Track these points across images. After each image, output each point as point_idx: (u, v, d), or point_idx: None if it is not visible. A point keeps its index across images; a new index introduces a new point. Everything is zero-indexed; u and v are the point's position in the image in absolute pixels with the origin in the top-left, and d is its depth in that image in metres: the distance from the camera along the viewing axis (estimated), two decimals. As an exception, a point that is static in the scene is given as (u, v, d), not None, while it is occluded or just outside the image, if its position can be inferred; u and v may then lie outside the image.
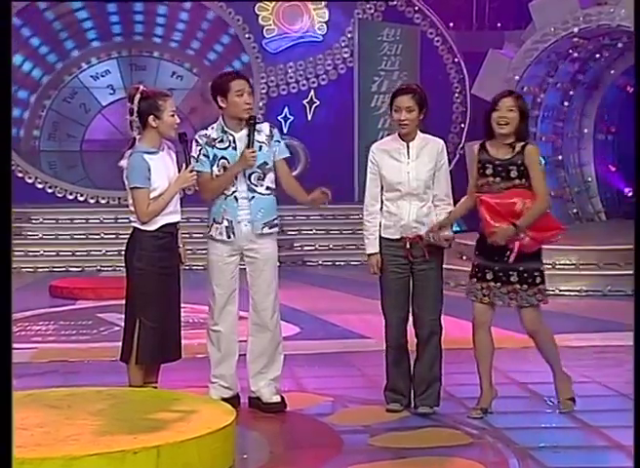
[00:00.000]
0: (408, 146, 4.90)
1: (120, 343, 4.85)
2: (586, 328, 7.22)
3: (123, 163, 4.78)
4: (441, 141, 5.01)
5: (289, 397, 5.06)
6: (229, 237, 4.89)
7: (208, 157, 4.88)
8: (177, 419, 3.98)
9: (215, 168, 4.89)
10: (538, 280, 4.85)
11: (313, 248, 11.91)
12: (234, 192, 4.87)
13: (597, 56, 11.88)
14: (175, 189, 4.74)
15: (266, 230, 4.93)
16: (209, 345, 5.02)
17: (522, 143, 4.78)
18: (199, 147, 4.88)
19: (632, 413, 4.83)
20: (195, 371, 5.37)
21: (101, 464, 3.53)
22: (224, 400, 4.81)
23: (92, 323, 7.72)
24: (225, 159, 4.87)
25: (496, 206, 4.74)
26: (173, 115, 4.73)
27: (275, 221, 4.98)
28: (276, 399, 4.97)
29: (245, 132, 4.89)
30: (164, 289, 4.74)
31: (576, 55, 11.69)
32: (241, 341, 5.07)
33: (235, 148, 4.88)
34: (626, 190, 13.26)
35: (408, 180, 4.86)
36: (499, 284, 4.85)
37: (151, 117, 4.68)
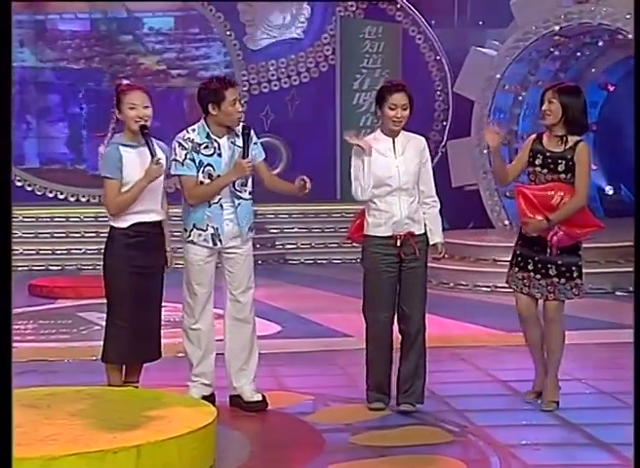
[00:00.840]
0: (394, 142, 4.92)
1: (101, 343, 4.86)
2: (567, 325, 7.22)
3: (101, 149, 4.85)
4: (423, 138, 5.05)
5: (270, 396, 5.07)
6: (215, 244, 4.91)
7: (194, 161, 4.86)
8: (157, 419, 3.98)
9: (200, 174, 4.87)
10: (575, 274, 4.94)
11: (295, 246, 11.90)
12: (220, 199, 4.88)
13: (578, 54, 11.93)
14: (144, 183, 4.69)
15: (250, 234, 5.04)
16: (188, 345, 5.01)
17: (576, 139, 4.87)
18: (185, 151, 4.85)
19: (614, 411, 4.93)
20: (175, 371, 5.34)
21: (81, 464, 3.52)
22: (205, 398, 4.83)
23: (72, 322, 7.69)
24: (211, 166, 4.87)
25: (532, 197, 4.82)
26: (132, 108, 4.72)
27: (253, 222, 5.07)
28: (257, 397, 4.99)
29: (227, 138, 4.90)
30: (137, 289, 4.71)
31: (557, 53, 11.73)
32: (217, 340, 5.08)
33: (220, 155, 4.89)
34: (607, 188, 13.33)
35: (398, 175, 4.87)
36: (538, 276, 4.94)
37: (117, 110, 4.78)
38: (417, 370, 4.95)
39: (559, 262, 4.90)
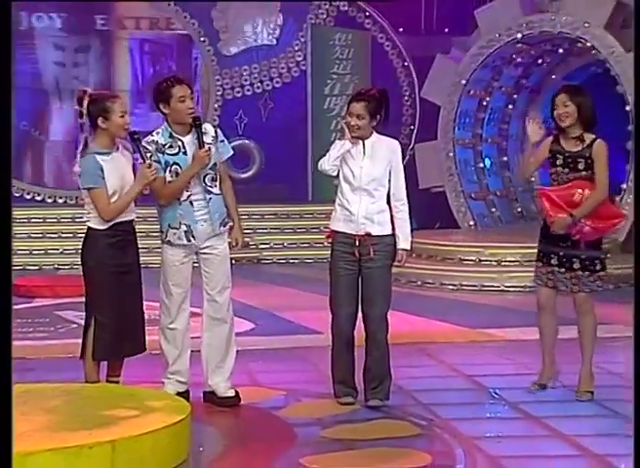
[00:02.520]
0: (363, 144, 5.02)
1: (79, 341, 4.91)
2: (531, 322, 7.36)
3: (76, 169, 4.78)
4: (396, 142, 5.12)
5: (243, 391, 5.11)
6: (189, 241, 4.95)
7: (160, 163, 4.88)
8: (132, 414, 3.99)
9: (167, 174, 4.91)
10: (598, 267, 5.08)
11: (268, 246, 11.99)
12: (189, 196, 4.93)
13: (539, 61, 12.13)
14: (137, 187, 4.75)
15: (222, 229, 5.04)
16: (164, 343, 5.04)
17: (592, 137, 5.04)
18: (149, 154, 4.85)
19: (574, 404, 5.05)
20: (151, 367, 5.37)
21: (57, 459, 3.53)
22: (179, 394, 4.88)
23: (49, 320, 7.71)
24: (177, 165, 4.91)
25: (555, 197, 5.01)
26: (122, 116, 4.73)
27: (227, 218, 5.08)
28: (230, 393, 5.03)
29: (191, 136, 4.93)
30: (119, 286, 4.76)
31: (519, 60, 11.94)
32: (192, 338, 5.13)
33: (185, 153, 4.92)
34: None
35: (360, 175, 4.96)
36: (563, 269, 5.09)
37: (100, 119, 4.70)
38: (382, 368, 4.99)
39: (583, 256, 5.04)
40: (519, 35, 11.31)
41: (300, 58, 12.95)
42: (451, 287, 9.54)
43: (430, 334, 7.10)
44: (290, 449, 4.30)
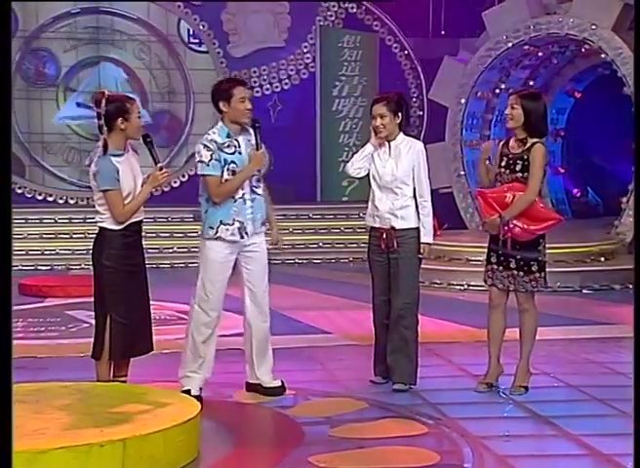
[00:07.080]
0: (389, 145, 5.35)
1: (90, 340, 4.96)
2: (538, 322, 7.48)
3: (92, 169, 4.83)
4: (420, 143, 5.45)
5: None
6: (242, 237, 5.08)
7: (219, 161, 5.02)
8: (142, 413, 4.03)
9: (225, 172, 5.03)
10: (534, 268, 5.18)
11: (276, 246, 12.09)
12: (243, 194, 5.08)
13: (547, 63, 12.20)
14: (149, 189, 4.84)
15: (263, 228, 5.22)
16: (198, 339, 5.11)
17: (534, 141, 5.13)
18: (210, 152, 5.01)
19: (581, 404, 5.13)
20: (162, 367, 5.46)
21: (68, 458, 3.55)
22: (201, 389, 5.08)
23: (60, 320, 7.77)
24: (234, 163, 5.04)
25: (490, 199, 5.14)
26: (139, 117, 4.86)
27: (265, 218, 5.28)
28: (277, 383, 5.26)
29: (244, 136, 5.10)
30: (132, 285, 4.83)
31: (527, 62, 12.02)
32: (223, 336, 5.24)
33: (241, 153, 5.07)
34: (575, 191, 13.76)
35: (383, 174, 5.34)
36: (500, 268, 5.24)
37: (120, 120, 4.77)
38: (401, 350, 5.28)
39: (518, 257, 5.15)
40: (527, 37, 11.41)
41: (308, 60, 13.06)
42: (458, 287, 9.65)
43: (438, 334, 7.15)
44: (298, 448, 4.32)
